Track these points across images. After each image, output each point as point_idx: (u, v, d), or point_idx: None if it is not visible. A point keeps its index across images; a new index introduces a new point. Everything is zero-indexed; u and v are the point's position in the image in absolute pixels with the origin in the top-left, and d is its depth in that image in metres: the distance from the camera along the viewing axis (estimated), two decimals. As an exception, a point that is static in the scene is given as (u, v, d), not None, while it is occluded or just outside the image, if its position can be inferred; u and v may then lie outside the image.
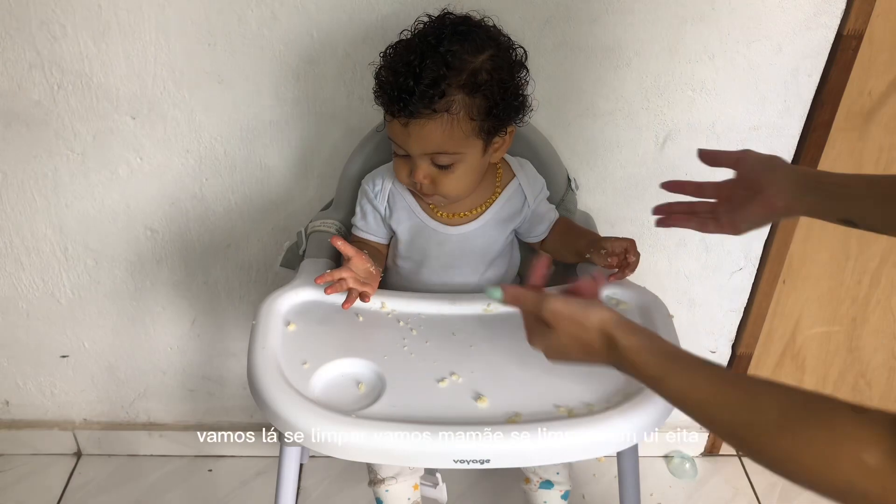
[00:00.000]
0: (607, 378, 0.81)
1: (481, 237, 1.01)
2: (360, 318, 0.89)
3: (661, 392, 0.66)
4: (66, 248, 1.31)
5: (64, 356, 1.45)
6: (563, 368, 0.83)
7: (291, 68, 1.11)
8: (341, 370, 0.82)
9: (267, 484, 1.50)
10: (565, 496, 1.15)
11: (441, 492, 1.18)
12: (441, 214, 1.00)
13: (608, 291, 0.95)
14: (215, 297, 1.37)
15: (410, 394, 0.79)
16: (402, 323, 0.89)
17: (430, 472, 1.18)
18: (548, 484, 1.13)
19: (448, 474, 1.33)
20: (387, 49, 0.91)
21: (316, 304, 0.91)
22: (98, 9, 1.06)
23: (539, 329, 0.74)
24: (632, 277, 0.97)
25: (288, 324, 0.87)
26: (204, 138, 1.18)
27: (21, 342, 1.43)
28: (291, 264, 1.04)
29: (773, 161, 0.84)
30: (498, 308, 0.92)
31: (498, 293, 0.77)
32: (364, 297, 0.91)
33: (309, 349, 0.84)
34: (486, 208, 1.01)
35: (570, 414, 0.77)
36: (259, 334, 0.84)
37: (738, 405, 0.59)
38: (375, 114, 0.95)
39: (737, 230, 0.87)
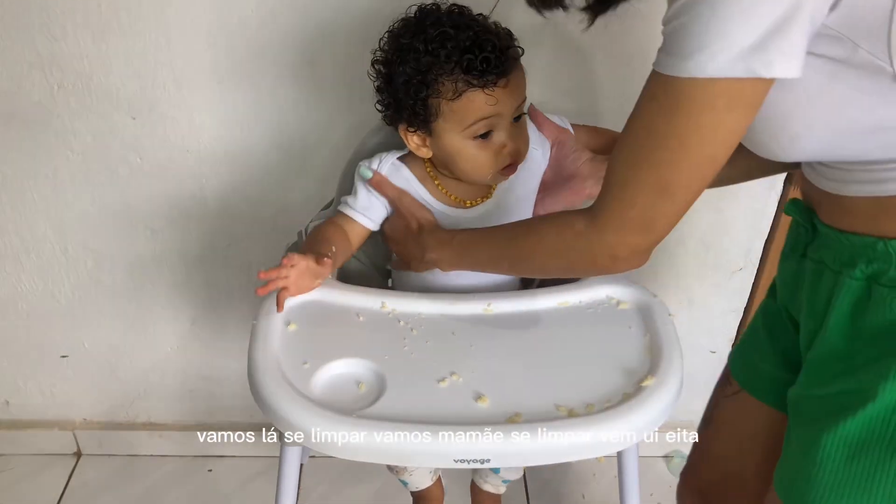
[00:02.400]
0: (608, 378, 0.81)
1: (500, 217, 0.96)
2: (361, 318, 0.89)
3: (453, 247, 0.88)
4: (66, 248, 1.31)
5: (64, 356, 1.45)
6: (563, 369, 0.84)
7: (291, 68, 1.11)
8: (341, 370, 0.82)
9: (267, 484, 1.50)
10: (506, 482, 1.19)
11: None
12: (454, 199, 0.97)
13: (607, 292, 0.95)
14: (215, 297, 1.38)
15: (410, 393, 0.79)
16: (402, 323, 0.89)
17: None
18: (496, 469, 1.17)
19: (448, 474, 1.33)
20: (404, 50, 0.87)
21: (316, 304, 0.90)
22: (98, 9, 1.06)
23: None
24: (631, 276, 0.97)
25: (288, 323, 0.87)
26: (204, 138, 1.18)
27: (21, 342, 1.43)
28: (291, 264, 1.04)
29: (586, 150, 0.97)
30: (498, 308, 0.92)
31: (368, 173, 0.94)
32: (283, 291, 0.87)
33: (309, 349, 0.83)
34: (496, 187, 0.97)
35: (571, 414, 0.77)
36: (259, 334, 0.84)
37: (501, 230, 0.84)
38: (375, 113, 0.95)
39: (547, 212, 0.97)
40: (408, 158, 0.97)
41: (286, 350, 0.83)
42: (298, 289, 0.88)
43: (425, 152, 0.93)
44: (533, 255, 0.80)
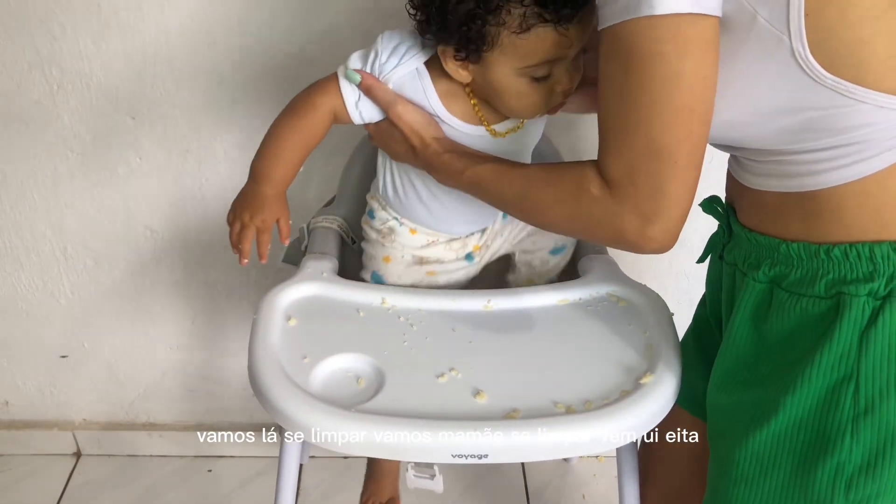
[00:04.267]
0: (606, 375, 0.82)
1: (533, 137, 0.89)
2: (361, 314, 0.90)
3: (462, 181, 0.79)
4: (66, 248, 1.31)
5: (64, 356, 1.45)
6: (562, 366, 0.84)
7: (291, 68, 1.12)
8: (341, 365, 0.82)
9: (267, 484, 1.49)
10: None
11: (438, 483, 1.18)
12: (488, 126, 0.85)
13: (608, 289, 0.94)
14: (215, 297, 1.38)
15: (409, 389, 0.79)
16: (402, 318, 0.89)
17: (426, 464, 1.18)
18: None
19: (448, 473, 1.33)
20: None
21: (317, 300, 0.91)
22: (98, 8, 1.06)
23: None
24: (632, 275, 0.97)
25: (288, 318, 0.87)
26: (204, 138, 1.18)
27: (21, 342, 1.43)
28: (293, 260, 1.04)
29: None
30: (498, 304, 0.92)
31: (356, 77, 0.81)
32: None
33: (309, 344, 0.84)
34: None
35: (569, 410, 0.77)
36: (260, 329, 0.85)
37: (516, 177, 0.76)
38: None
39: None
40: (435, 66, 0.82)
41: (286, 345, 0.83)
42: (272, 217, 0.88)
43: (463, 76, 0.80)
44: (546, 210, 0.73)
